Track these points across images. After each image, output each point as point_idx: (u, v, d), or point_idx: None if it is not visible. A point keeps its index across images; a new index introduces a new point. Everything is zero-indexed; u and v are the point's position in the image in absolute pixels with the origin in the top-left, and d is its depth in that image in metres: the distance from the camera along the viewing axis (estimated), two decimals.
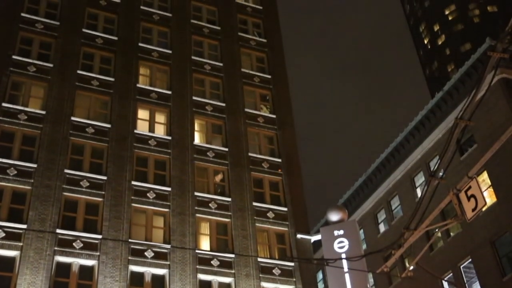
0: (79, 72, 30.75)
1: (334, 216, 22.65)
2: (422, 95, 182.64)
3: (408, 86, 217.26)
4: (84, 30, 32.52)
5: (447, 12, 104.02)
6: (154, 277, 26.16)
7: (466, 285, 33.20)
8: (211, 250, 27.89)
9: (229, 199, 29.65)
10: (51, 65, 30.29)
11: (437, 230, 31.50)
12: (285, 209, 30.59)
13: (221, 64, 34.98)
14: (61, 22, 32.22)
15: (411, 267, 13.76)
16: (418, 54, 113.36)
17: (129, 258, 25.95)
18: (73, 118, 28.93)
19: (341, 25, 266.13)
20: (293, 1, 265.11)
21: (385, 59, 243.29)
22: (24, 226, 24.79)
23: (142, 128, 30.45)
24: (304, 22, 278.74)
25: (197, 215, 28.54)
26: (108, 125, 29.43)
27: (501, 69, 32.81)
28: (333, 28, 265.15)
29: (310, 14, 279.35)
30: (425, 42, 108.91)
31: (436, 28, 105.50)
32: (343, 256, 20.93)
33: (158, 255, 26.59)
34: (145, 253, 26.39)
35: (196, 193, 29.07)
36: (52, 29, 31.77)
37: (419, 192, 38.09)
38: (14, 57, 29.70)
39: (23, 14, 31.49)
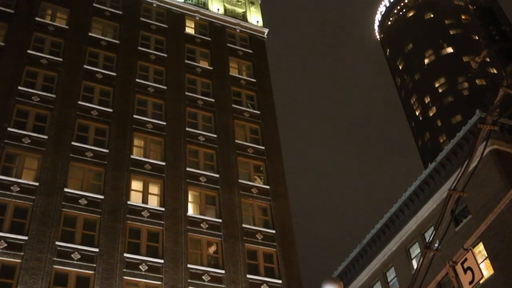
0: (73, 143, 30.89)
1: None
2: (415, 165, 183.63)
3: (401, 156, 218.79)
4: (79, 102, 32.91)
5: (437, 85, 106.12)
6: None
7: None
8: None
9: (223, 271, 29.17)
10: (46, 137, 30.44)
11: None
12: (280, 281, 30.08)
13: (215, 136, 35.26)
14: (57, 94, 32.63)
15: None
16: (410, 125, 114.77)
17: None
18: (66, 190, 28.80)
19: (335, 97, 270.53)
20: (286, 73, 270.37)
21: (379, 130, 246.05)
22: None
23: (135, 199, 30.30)
24: (298, 93, 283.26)
25: None
26: (101, 197, 29.29)
27: (492, 141, 33.14)
28: (327, 99, 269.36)
29: (303, 85, 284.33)
30: (417, 113, 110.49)
31: (427, 100, 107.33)
32: None
33: None
34: None
35: (189, 265, 28.63)
36: (48, 101, 32.13)
37: (415, 263, 37.62)
38: (9, 129, 29.89)
39: (20, 88, 31.91)
